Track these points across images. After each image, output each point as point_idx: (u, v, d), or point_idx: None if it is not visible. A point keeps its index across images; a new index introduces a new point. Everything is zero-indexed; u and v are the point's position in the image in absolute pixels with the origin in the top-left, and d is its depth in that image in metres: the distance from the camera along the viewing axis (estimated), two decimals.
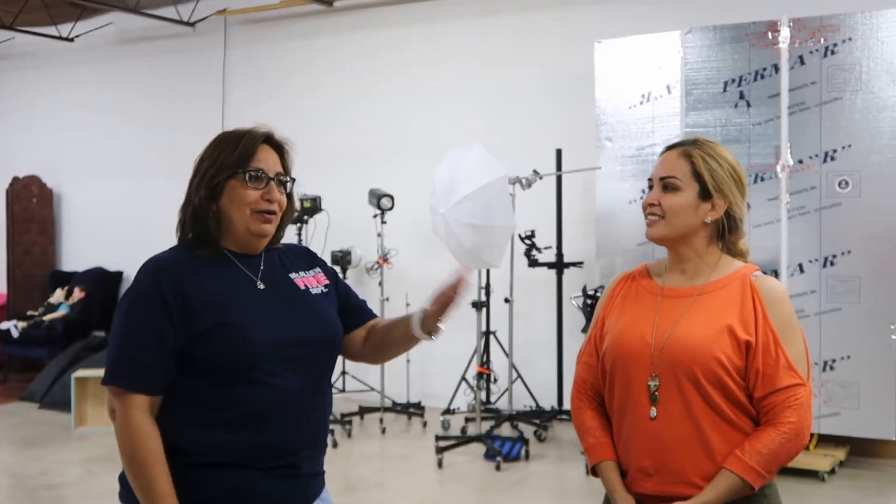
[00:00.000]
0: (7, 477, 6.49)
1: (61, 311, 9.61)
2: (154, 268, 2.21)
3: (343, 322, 2.46)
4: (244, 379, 2.18)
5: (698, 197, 2.33)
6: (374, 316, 2.59)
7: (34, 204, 10.43)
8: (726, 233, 2.38)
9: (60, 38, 10.34)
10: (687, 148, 2.39)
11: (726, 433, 2.23)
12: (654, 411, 2.29)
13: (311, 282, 2.40)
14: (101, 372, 7.70)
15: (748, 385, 2.24)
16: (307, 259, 2.49)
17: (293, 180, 2.33)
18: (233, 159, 2.21)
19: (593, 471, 2.42)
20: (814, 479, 5.92)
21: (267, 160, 2.25)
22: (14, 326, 9.44)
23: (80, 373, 7.67)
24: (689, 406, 2.25)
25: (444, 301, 2.35)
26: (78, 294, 9.75)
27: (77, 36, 10.35)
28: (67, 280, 10.07)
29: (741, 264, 2.39)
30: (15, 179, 10.46)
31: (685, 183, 2.33)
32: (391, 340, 2.54)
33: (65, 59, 10.58)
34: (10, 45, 10.83)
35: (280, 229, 2.37)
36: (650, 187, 2.39)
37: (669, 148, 2.45)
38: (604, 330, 2.44)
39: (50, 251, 10.55)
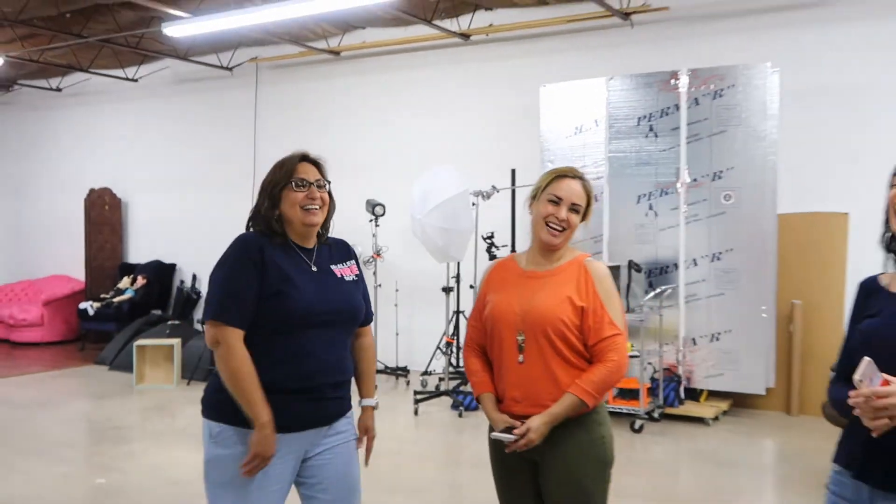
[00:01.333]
0: (83, 420, 6.62)
1: (127, 295, 9.68)
2: (245, 238, 2.39)
3: None
4: (288, 330, 2.32)
5: (579, 219, 2.50)
6: (369, 321, 2.64)
7: (106, 210, 10.48)
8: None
9: (127, 78, 10.38)
10: (584, 182, 2.52)
11: (570, 371, 2.39)
12: (521, 357, 2.43)
13: (346, 272, 2.52)
14: (157, 341, 7.90)
15: (584, 337, 2.40)
16: (345, 253, 2.60)
17: (329, 183, 2.47)
18: (282, 175, 2.39)
19: (478, 399, 2.54)
20: (702, 425, 6.06)
21: (307, 171, 2.41)
22: (90, 306, 9.56)
23: (141, 342, 7.75)
24: (544, 353, 2.40)
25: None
26: (140, 281, 9.83)
27: (140, 77, 10.38)
28: (132, 270, 10.13)
29: (578, 253, 2.55)
30: (91, 191, 10.53)
31: (582, 207, 2.49)
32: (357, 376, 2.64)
33: (130, 96, 10.57)
34: (86, 84, 10.85)
35: (326, 221, 2.52)
36: (555, 202, 2.46)
37: (566, 176, 2.50)
38: (485, 301, 2.55)
39: (118, 247, 10.58)
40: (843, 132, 6.52)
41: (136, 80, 10.44)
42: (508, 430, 2.36)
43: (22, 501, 4.56)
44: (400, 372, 8.02)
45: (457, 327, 7.49)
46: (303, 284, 2.37)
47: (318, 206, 2.41)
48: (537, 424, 2.33)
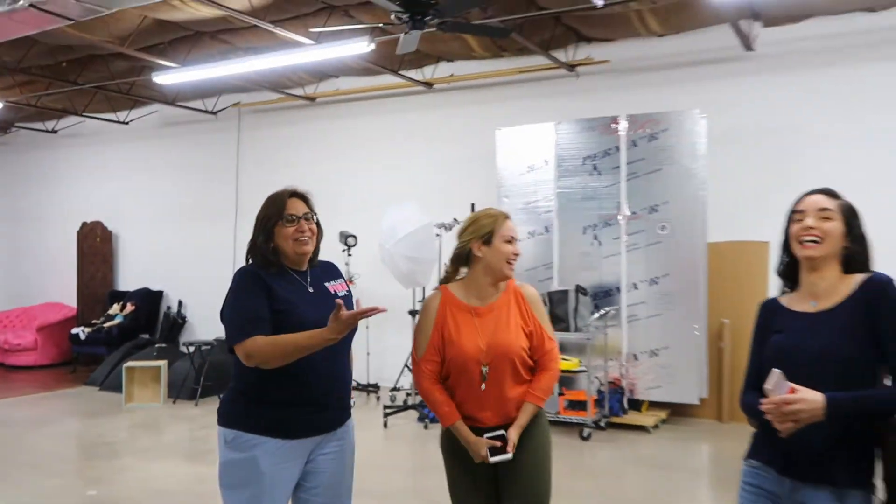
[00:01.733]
0: (74, 437, 6.61)
1: (117, 320, 9.61)
2: (245, 270, 2.44)
3: None
4: None
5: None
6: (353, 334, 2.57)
7: (98, 242, 10.46)
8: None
9: (118, 121, 10.40)
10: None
11: (522, 384, 2.56)
12: (483, 385, 2.53)
13: (338, 288, 2.57)
14: (145, 363, 7.84)
15: (532, 353, 2.57)
16: (334, 272, 2.64)
17: (316, 214, 2.52)
18: (274, 211, 2.45)
19: (451, 428, 2.54)
20: (644, 432, 6.19)
21: (295, 206, 2.47)
22: (82, 331, 9.49)
23: (130, 364, 7.70)
24: (502, 378, 2.52)
25: (358, 314, 2.49)
26: (129, 307, 9.76)
27: (131, 120, 10.40)
28: (122, 297, 10.05)
29: (507, 282, 2.62)
30: (84, 224, 10.51)
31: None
32: None
33: (121, 137, 10.57)
34: (81, 127, 10.86)
35: (317, 247, 2.55)
36: (509, 241, 2.57)
37: (508, 218, 2.61)
38: (443, 339, 2.56)
39: (109, 276, 10.52)
40: (762, 170, 6.76)
41: (126, 123, 10.47)
42: (495, 449, 2.47)
43: None
44: (371, 388, 8.05)
45: None
46: (303, 304, 2.40)
47: (308, 237, 2.47)
48: (514, 436, 2.49)
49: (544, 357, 2.60)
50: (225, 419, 2.43)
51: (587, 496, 4.74)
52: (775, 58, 6.80)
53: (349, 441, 2.55)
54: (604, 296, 6.73)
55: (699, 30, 6.97)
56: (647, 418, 6.36)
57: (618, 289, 6.68)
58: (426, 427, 6.57)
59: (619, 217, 6.65)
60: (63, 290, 10.78)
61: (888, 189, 6.21)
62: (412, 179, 8.43)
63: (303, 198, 2.53)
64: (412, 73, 8.29)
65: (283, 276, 2.45)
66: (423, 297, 7.50)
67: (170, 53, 7.53)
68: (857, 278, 2.00)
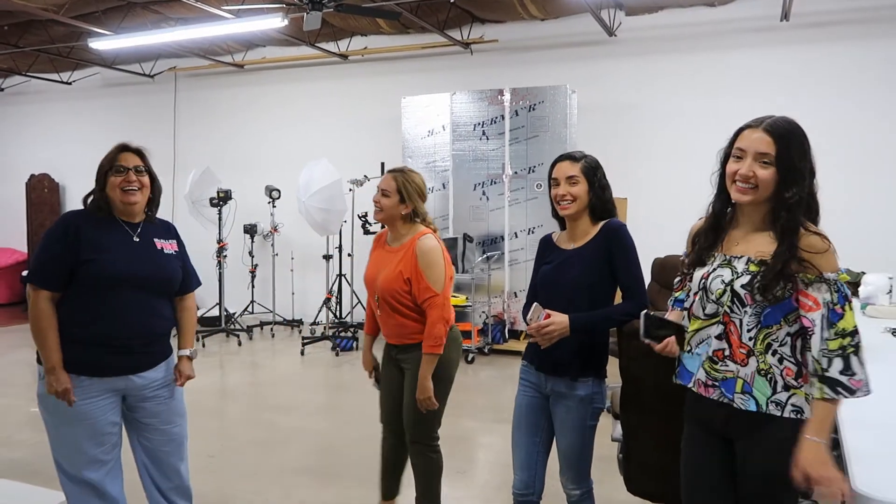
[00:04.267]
0: (25, 365, 6.46)
1: None
2: (65, 218, 2.34)
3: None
4: (101, 292, 2.28)
5: (398, 202, 2.77)
6: (192, 289, 2.59)
7: (45, 193, 10.18)
8: (417, 217, 2.78)
9: (62, 82, 10.11)
10: (396, 174, 2.79)
11: (407, 315, 2.72)
12: (378, 312, 2.81)
13: (167, 246, 2.47)
14: None
15: (415, 297, 2.70)
16: (168, 231, 2.53)
17: (150, 170, 2.41)
18: (106, 162, 2.38)
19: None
20: (520, 356, 6.55)
21: (126, 159, 2.36)
22: None
23: None
24: (388, 309, 2.75)
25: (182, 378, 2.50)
26: None
27: (74, 80, 10.13)
28: None
29: (419, 232, 2.73)
30: (32, 176, 10.20)
31: (392, 193, 2.76)
32: (178, 330, 2.61)
33: (65, 96, 10.28)
34: (26, 86, 10.48)
35: (151, 204, 2.44)
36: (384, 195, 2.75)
37: (391, 171, 2.80)
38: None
39: None
40: (622, 137, 7.12)
41: (70, 84, 10.15)
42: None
43: None
44: (295, 323, 8.18)
45: (340, 287, 7.74)
46: (120, 251, 2.31)
47: (136, 188, 2.36)
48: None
49: (424, 304, 2.68)
50: (39, 356, 2.33)
51: (472, 406, 5.09)
52: (634, 42, 7.11)
53: (165, 379, 2.47)
54: (491, 243, 7.01)
55: (572, 16, 7.21)
56: (523, 345, 6.56)
57: (502, 237, 6.95)
58: (337, 355, 6.80)
59: (504, 176, 6.87)
60: (14, 237, 10.49)
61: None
62: (328, 140, 8.46)
63: (137, 152, 2.41)
64: (330, 46, 8.30)
65: (110, 224, 2.35)
66: (340, 244, 7.79)
67: (104, 21, 7.34)
68: (600, 224, 2.36)
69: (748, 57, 6.72)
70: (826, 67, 6.49)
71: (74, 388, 2.27)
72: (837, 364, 1.65)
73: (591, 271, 2.30)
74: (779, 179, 1.72)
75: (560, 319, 2.22)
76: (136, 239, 2.38)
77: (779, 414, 1.74)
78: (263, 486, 3.70)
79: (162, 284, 2.43)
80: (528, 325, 2.25)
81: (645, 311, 2.02)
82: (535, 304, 2.25)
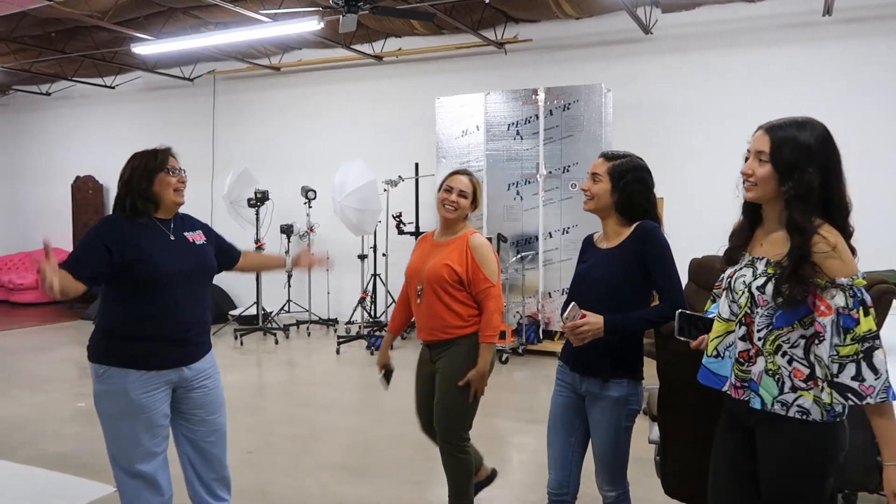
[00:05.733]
0: (70, 362, 6.70)
1: None
2: (107, 220, 2.40)
3: (222, 257, 2.66)
4: (152, 290, 2.35)
5: (471, 203, 2.85)
6: (240, 252, 2.76)
7: (90, 194, 10.43)
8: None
9: (106, 86, 10.34)
10: (470, 177, 2.86)
11: (456, 309, 2.77)
12: (419, 300, 2.84)
13: (196, 237, 2.54)
14: None
15: (469, 288, 2.78)
16: (193, 223, 2.59)
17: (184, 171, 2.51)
18: (158, 164, 2.42)
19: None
20: (555, 357, 6.39)
21: (174, 163, 2.47)
22: None
23: None
24: (430, 297, 2.79)
25: (308, 262, 2.86)
26: None
27: (117, 85, 10.35)
28: None
29: (470, 229, 2.86)
30: (77, 178, 10.48)
31: (469, 194, 2.83)
32: (265, 268, 3.05)
33: (109, 100, 10.51)
34: (72, 90, 10.75)
35: None
36: (448, 190, 2.83)
37: (457, 173, 2.86)
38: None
39: None
40: (659, 136, 7.03)
41: (113, 87, 10.40)
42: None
43: (18, 419, 4.82)
44: (330, 322, 8.26)
45: (375, 287, 7.79)
46: (161, 251, 2.38)
47: (183, 189, 2.49)
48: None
49: (480, 294, 2.77)
50: (94, 355, 2.39)
51: (506, 406, 5.10)
52: (670, 40, 7.02)
53: (212, 369, 2.56)
54: (524, 243, 6.98)
55: (608, 14, 7.14)
56: (558, 346, 6.62)
57: (536, 237, 6.91)
58: (372, 353, 6.85)
59: (538, 176, 6.84)
60: (60, 237, 10.72)
61: None
62: (363, 141, 8.51)
63: (175, 157, 2.50)
64: (365, 48, 8.36)
65: (147, 225, 2.41)
66: (374, 244, 7.85)
67: (146, 26, 7.53)
68: (633, 226, 2.34)
69: (789, 53, 6.58)
70: (871, 63, 6.32)
71: (132, 382, 2.33)
72: (850, 370, 1.65)
73: (617, 272, 2.29)
74: (777, 176, 1.75)
75: (595, 320, 2.21)
76: (171, 237, 2.46)
77: (783, 413, 1.76)
78: (301, 481, 3.75)
79: (206, 274, 2.53)
80: (563, 323, 2.25)
81: (679, 309, 2.03)
82: (572, 303, 2.24)
